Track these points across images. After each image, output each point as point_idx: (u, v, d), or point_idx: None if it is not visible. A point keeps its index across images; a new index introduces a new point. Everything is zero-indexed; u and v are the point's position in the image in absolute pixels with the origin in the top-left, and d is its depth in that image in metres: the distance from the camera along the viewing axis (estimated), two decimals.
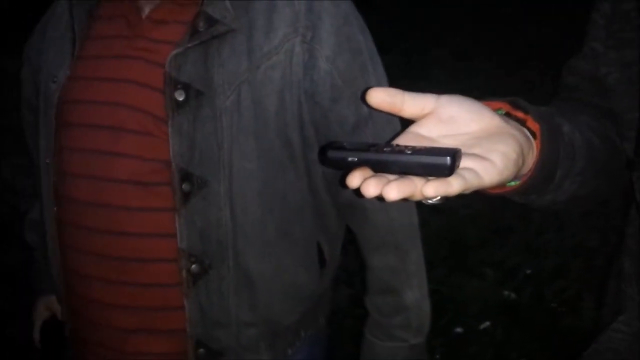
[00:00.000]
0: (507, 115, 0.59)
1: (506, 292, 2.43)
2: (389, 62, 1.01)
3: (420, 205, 0.48)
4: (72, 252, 1.02)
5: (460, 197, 0.51)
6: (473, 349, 2.28)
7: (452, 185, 0.48)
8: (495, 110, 0.58)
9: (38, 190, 1.09)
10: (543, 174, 0.60)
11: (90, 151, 0.96)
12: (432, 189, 0.47)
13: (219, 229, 0.95)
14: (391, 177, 0.49)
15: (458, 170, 0.49)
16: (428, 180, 0.48)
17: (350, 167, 0.51)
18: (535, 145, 0.59)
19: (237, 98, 0.92)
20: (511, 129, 0.55)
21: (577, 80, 0.79)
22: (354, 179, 0.49)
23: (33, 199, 1.23)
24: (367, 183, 0.48)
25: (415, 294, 1.05)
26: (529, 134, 0.59)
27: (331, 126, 0.96)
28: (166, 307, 0.98)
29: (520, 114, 0.60)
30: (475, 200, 0.50)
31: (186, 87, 0.91)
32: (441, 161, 0.48)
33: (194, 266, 0.95)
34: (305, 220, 1.02)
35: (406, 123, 0.56)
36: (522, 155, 0.55)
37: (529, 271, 2.49)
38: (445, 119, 0.54)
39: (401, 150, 0.50)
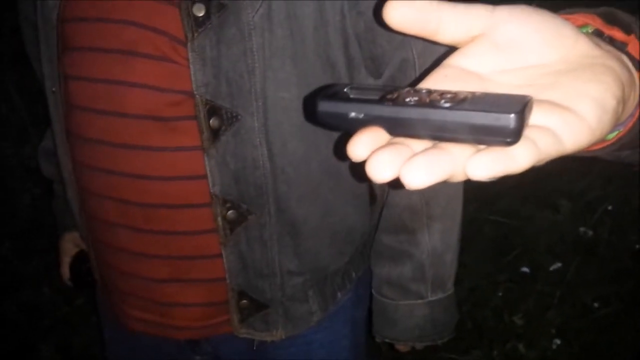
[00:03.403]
0: (598, 35, 0.40)
1: (582, 229, 2.20)
2: None
3: None
4: (91, 197, 0.91)
5: None
6: (540, 288, 2.10)
7: (517, 160, 0.30)
8: (580, 27, 0.40)
9: (50, 121, 0.97)
10: None
11: (98, 80, 0.82)
12: (484, 168, 0.29)
13: (255, 170, 0.81)
14: (415, 144, 0.32)
15: (526, 132, 0.31)
16: (478, 149, 0.30)
17: (353, 127, 0.33)
18: (639, 80, 0.38)
19: (267, 11, 0.75)
20: (606, 58, 0.36)
21: None
22: (357, 148, 0.32)
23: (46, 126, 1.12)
24: (376, 159, 0.30)
25: (434, 240, 0.90)
26: (630, 63, 0.38)
27: (377, 41, 0.79)
28: (201, 255, 0.88)
29: (618, 33, 0.40)
30: None
31: (205, 0, 0.75)
32: (500, 121, 0.29)
33: (230, 212, 0.83)
34: None
35: None
36: (622, 100, 0.35)
37: (610, 207, 2.23)
38: (504, 45, 0.35)
39: (434, 100, 0.32)
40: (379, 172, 0.30)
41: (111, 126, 0.82)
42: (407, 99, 0.32)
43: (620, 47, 0.39)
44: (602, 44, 0.38)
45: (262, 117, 0.79)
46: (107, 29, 0.80)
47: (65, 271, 1.16)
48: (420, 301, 0.94)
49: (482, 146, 0.31)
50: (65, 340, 2.08)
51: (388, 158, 0.30)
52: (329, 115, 0.34)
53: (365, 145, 0.31)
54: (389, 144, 0.31)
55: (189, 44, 0.76)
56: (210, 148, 0.80)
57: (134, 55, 0.79)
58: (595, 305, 2.04)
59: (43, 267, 2.26)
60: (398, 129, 0.32)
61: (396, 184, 0.31)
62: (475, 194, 2.30)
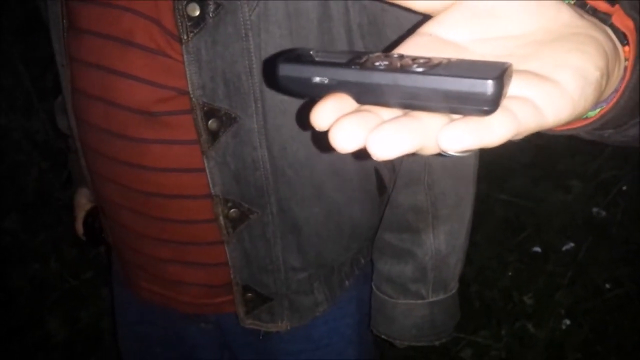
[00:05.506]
0: (581, 4, 0.38)
1: (595, 209, 2.17)
2: None
3: None
4: (97, 177, 0.90)
5: None
6: (550, 268, 2.08)
7: (494, 131, 0.27)
8: None
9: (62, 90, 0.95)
10: (635, 99, 0.38)
11: (94, 66, 0.80)
12: (458, 139, 0.27)
13: (255, 171, 0.79)
14: (385, 112, 0.29)
15: (505, 102, 0.28)
16: (451, 119, 0.28)
17: (317, 93, 0.31)
18: (624, 53, 0.37)
19: (263, 9, 0.70)
20: (589, 29, 0.34)
21: None
22: (321, 115, 0.29)
23: None
24: (340, 127, 0.28)
25: (439, 241, 0.87)
26: (614, 36, 0.37)
27: (383, 34, 0.73)
28: (200, 242, 0.87)
29: (602, 4, 0.38)
30: None
31: (200, 0, 0.71)
32: (477, 87, 0.27)
33: (232, 211, 0.82)
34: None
35: None
36: (606, 73, 0.33)
37: (625, 187, 2.20)
38: (483, 13, 0.34)
39: (406, 65, 0.30)
40: (343, 141, 0.27)
41: (107, 115, 0.81)
42: (377, 64, 0.30)
43: (604, 18, 0.37)
44: (586, 14, 0.36)
45: (261, 119, 0.76)
46: (107, 13, 0.77)
47: (80, 227, 1.15)
48: (420, 301, 0.91)
49: (456, 116, 0.28)
50: (73, 313, 2.09)
51: (353, 126, 0.28)
52: (290, 80, 0.31)
53: (330, 113, 0.29)
54: (355, 111, 0.29)
55: (183, 46, 0.72)
56: (209, 150, 0.78)
57: (129, 45, 0.76)
58: (607, 286, 2.01)
59: (50, 240, 2.25)
60: (366, 95, 0.30)
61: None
62: (486, 173, 2.27)
